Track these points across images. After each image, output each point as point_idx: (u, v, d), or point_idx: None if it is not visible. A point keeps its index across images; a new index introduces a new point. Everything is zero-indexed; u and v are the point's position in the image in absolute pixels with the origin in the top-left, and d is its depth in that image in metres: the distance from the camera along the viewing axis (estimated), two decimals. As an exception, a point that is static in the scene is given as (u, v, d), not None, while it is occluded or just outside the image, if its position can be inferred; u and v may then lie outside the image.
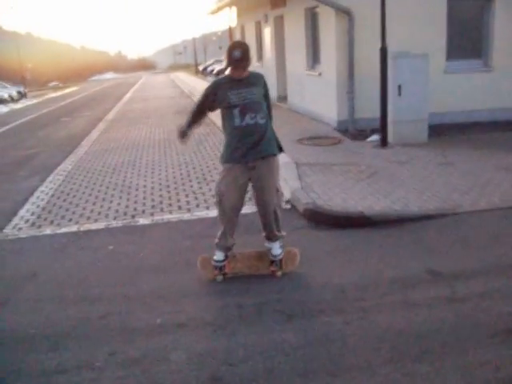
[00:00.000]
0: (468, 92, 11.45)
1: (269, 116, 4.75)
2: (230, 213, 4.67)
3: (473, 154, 8.75)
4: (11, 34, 56.36)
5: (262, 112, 4.56)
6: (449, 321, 3.89)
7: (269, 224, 4.76)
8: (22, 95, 41.57)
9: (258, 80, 4.74)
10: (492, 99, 11.55)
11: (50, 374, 3.59)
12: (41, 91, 52.60)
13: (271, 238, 4.83)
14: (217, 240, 4.79)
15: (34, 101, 38.17)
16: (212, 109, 4.84)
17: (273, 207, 4.72)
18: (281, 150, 4.84)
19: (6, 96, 37.12)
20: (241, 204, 4.72)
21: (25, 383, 3.53)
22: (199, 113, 4.91)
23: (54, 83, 72.87)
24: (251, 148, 4.51)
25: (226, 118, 4.60)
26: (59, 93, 47.16)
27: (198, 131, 13.58)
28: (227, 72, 4.66)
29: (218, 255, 4.80)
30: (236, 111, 4.49)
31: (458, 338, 3.67)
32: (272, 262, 4.84)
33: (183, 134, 5.01)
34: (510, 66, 11.45)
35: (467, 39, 11.64)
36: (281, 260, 4.84)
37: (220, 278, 4.82)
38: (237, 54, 4.45)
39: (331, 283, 4.63)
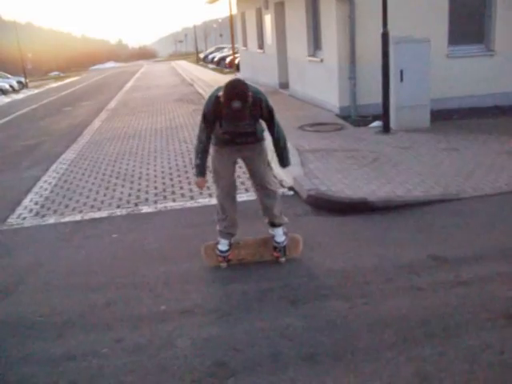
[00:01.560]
0: (470, 77, 11.40)
1: (277, 134, 4.60)
2: (227, 189, 4.71)
3: (476, 139, 8.73)
4: (11, 24, 56.08)
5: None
6: (452, 305, 3.91)
7: (270, 208, 4.76)
8: (23, 85, 41.51)
9: (257, 111, 4.35)
10: (494, 84, 11.50)
11: (57, 361, 3.62)
12: (42, 81, 52.50)
13: (274, 223, 4.84)
14: (218, 227, 4.81)
15: (35, 91, 38.14)
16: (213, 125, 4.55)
17: (270, 189, 4.74)
18: (284, 163, 4.81)
19: (7, 86, 37.03)
20: (234, 180, 4.80)
21: (33, 370, 3.56)
22: (206, 138, 4.56)
23: (54, 73, 72.71)
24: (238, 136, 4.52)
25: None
26: (60, 82, 47.06)
27: (200, 118, 13.58)
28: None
29: (222, 244, 4.82)
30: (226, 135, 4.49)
31: (461, 322, 3.69)
32: (275, 248, 4.86)
33: (200, 172, 4.61)
34: (512, 50, 11.40)
35: (469, 24, 11.58)
36: (284, 246, 4.85)
37: (224, 264, 4.84)
38: (236, 105, 4.00)
39: (335, 269, 4.65)
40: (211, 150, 4.67)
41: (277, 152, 4.75)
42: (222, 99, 4.09)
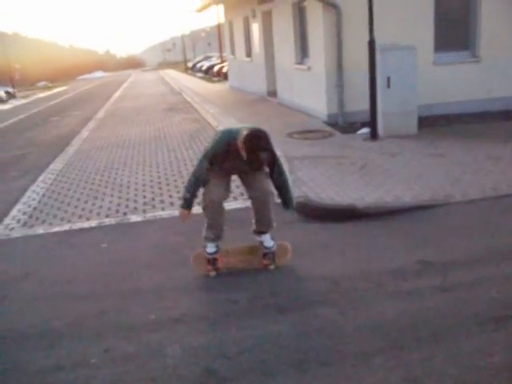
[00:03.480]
0: (456, 83, 11.50)
1: (280, 175, 4.70)
2: (216, 205, 4.67)
3: (463, 145, 8.80)
4: (-2, 35, 56.04)
5: None
6: (440, 310, 3.93)
7: (267, 216, 4.77)
8: (10, 96, 41.32)
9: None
10: (480, 90, 11.61)
11: (46, 372, 3.60)
12: (30, 91, 52.32)
13: (262, 231, 4.85)
14: (204, 234, 4.81)
15: (23, 101, 37.99)
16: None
17: (269, 199, 4.73)
18: (287, 204, 4.85)
19: (-5, 97, 36.89)
20: (227, 195, 4.78)
21: (22, 381, 3.54)
22: (204, 177, 4.61)
23: (42, 83, 72.45)
24: None
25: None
26: (48, 92, 46.95)
27: (190, 127, 13.61)
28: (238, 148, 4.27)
29: (210, 247, 4.82)
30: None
31: (449, 326, 3.71)
32: (265, 255, 4.86)
33: (187, 205, 4.69)
34: (498, 57, 11.52)
35: (455, 31, 11.69)
36: (273, 253, 4.86)
37: (213, 273, 4.84)
38: (264, 156, 4.22)
39: (324, 275, 4.66)
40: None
41: (281, 194, 4.80)
42: (244, 148, 4.17)
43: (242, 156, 4.24)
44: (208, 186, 4.63)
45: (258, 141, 4.20)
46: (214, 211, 4.69)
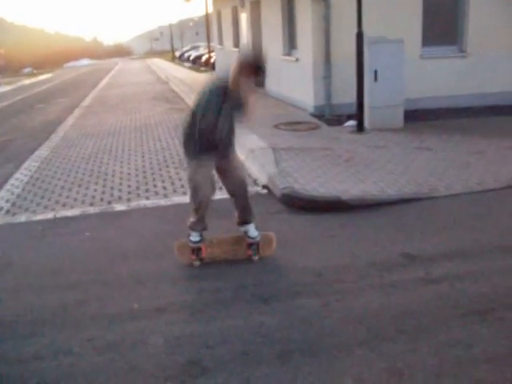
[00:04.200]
0: (443, 77, 11.55)
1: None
2: (207, 201, 4.69)
3: (449, 139, 8.84)
4: (-17, 20, 55.25)
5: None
6: (423, 302, 3.96)
7: (247, 206, 4.82)
8: (-6, 82, 40.80)
9: None
10: (467, 85, 11.66)
11: (27, 361, 3.57)
12: (14, 78, 51.69)
13: (246, 221, 4.86)
14: (191, 224, 4.79)
15: (8, 88, 37.48)
16: None
17: (247, 191, 4.83)
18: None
19: (-22, 83, 36.37)
20: (215, 189, 4.83)
21: (2, 370, 3.51)
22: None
23: (28, 69, 71.58)
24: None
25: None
26: (33, 79, 46.39)
27: (176, 116, 13.54)
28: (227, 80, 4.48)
29: (194, 236, 4.81)
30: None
31: (431, 318, 3.74)
32: (249, 245, 4.86)
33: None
34: (485, 52, 11.58)
35: (442, 25, 11.73)
36: (258, 244, 4.86)
37: (197, 262, 4.83)
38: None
39: (308, 266, 4.67)
40: (193, 164, 4.63)
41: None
42: (253, 68, 4.39)
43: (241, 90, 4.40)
44: (197, 186, 4.62)
45: (262, 57, 4.51)
46: (207, 205, 4.71)
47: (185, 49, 58.15)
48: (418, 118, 10.57)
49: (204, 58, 35.97)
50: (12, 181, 8.42)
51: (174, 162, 8.69)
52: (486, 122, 10.19)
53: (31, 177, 8.55)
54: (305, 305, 4.04)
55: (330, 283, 4.36)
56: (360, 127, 9.65)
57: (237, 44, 20.37)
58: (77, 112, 16.97)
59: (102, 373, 3.37)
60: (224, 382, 3.18)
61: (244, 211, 4.85)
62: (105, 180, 8.01)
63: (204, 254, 4.84)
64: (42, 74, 56.13)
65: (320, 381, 3.14)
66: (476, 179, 6.63)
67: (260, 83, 4.41)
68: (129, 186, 7.58)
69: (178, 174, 7.98)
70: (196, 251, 4.82)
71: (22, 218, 6.59)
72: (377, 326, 3.67)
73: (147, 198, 6.97)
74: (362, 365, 3.25)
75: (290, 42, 13.69)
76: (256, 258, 4.86)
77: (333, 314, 3.87)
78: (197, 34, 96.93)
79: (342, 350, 3.43)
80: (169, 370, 3.34)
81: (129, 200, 6.96)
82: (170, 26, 70.93)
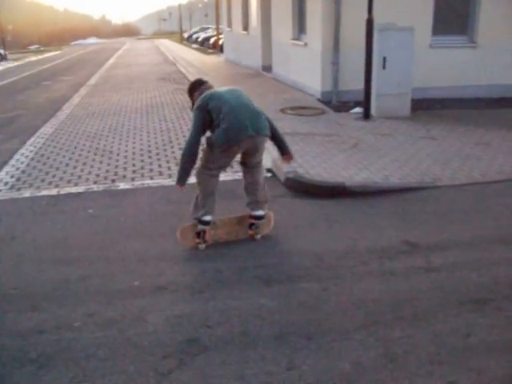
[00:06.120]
0: (453, 67, 11.47)
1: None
2: (214, 190, 4.77)
3: (455, 129, 8.82)
4: (-9, -6, 55.00)
5: None
6: (422, 290, 3.98)
7: (262, 184, 4.90)
8: (1, 57, 40.64)
9: None
10: (476, 76, 11.60)
11: (28, 334, 3.60)
12: (22, 54, 51.51)
13: (260, 202, 4.89)
14: (201, 204, 4.77)
15: (15, 63, 37.37)
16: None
17: (262, 166, 4.93)
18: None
19: (-15, 58, 36.22)
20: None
21: (3, 342, 3.54)
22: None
23: (35, 46, 71.30)
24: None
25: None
26: (40, 56, 46.20)
27: (182, 97, 13.50)
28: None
29: (207, 216, 4.76)
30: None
31: (430, 306, 3.76)
32: (251, 225, 4.89)
33: (183, 180, 4.76)
34: (495, 43, 11.47)
35: (453, 15, 11.63)
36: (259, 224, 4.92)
37: (202, 246, 4.80)
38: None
39: (310, 251, 4.69)
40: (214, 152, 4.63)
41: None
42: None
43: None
44: (209, 167, 4.70)
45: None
46: (209, 194, 4.75)
47: (193, 30, 57.82)
48: (425, 107, 10.54)
49: (212, 40, 35.78)
50: (17, 156, 8.44)
51: (179, 143, 8.68)
52: (494, 114, 10.14)
53: (36, 153, 8.57)
54: (305, 288, 4.06)
55: (330, 268, 4.38)
56: (366, 114, 9.61)
57: (246, 27, 20.26)
58: (83, 90, 16.94)
59: (101, 348, 3.40)
60: (222, 361, 3.21)
61: (258, 189, 4.89)
62: (109, 158, 8.02)
63: (207, 236, 4.83)
64: (49, 51, 55.94)
65: (317, 364, 3.16)
66: (480, 170, 6.62)
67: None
68: (133, 165, 7.60)
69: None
70: (201, 234, 4.79)
71: (27, 193, 6.62)
72: (375, 312, 3.69)
73: (151, 178, 6.98)
74: (359, 349, 3.28)
75: (300, 27, 13.59)
76: (258, 236, 4.91)
77: (332, 299, 3.89)
78: (206, 15, 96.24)
79: (340, 334, 3.45)
80: (167, 348, 3.37)
81: (133, 179, 6.98)
82: (180, 6, 70.62)
